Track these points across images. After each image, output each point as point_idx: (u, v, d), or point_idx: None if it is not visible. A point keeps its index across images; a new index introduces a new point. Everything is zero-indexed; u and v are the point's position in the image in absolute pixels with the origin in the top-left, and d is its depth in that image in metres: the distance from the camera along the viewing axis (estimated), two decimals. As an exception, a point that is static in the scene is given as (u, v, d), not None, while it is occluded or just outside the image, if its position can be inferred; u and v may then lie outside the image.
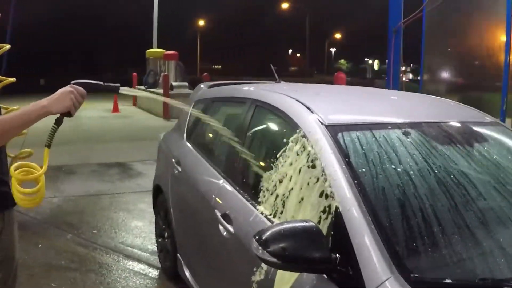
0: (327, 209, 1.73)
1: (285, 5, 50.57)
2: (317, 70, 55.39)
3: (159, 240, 3.96)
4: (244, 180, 2.48)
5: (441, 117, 2.34)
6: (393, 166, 1.85)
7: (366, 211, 1.63)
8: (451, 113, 2.54)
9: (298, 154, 2.01)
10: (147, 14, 20.49)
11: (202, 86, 4.09)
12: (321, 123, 2.05)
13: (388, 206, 1.69)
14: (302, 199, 1.87)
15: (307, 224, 1.61)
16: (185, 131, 3.75)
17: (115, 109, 16.44)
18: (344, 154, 1.86)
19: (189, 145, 3.52)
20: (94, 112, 15.22)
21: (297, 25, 53.53)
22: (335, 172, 1.78)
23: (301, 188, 1.91)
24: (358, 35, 56.94)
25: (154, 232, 4.19)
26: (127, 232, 4.76)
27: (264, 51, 53.02)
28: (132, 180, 6.88)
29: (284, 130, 2.27)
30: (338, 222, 1.66)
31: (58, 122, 1.83)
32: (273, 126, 2.60)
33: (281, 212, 1.98)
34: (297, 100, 2.35)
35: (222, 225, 2.37)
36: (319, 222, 1.71)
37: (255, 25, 53.05)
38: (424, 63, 6.29)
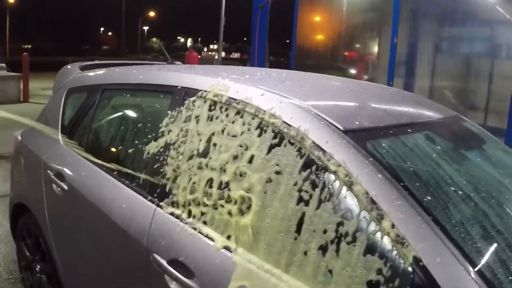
0: (387, 270, 1.15)
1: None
2: (129, 49, 53.89)
3: (26, 275, 2.96)
4: (203, 210, 1.67)
5: (434, 112, 1.95)
6: (452, 189, 1.37)
7: (466, 261, 1.13)
8: (430, 106, 2.12)
9: (315, 184, 1.34)
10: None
11: (70, 66, 3.13)
12: (337, 127, 1.41)
13: (482, 251, 1.21)
14: (327, 269, 1.25)
15: None
16: (59, 131, 2.77)
17: None
18: (395, 176, 1.29)
19: (72, 151, 2.57)
20: None
21: (111, 3, 50.84)
22: (399, 205, 1.20)
23: (323, 250, 1.26)
24: (170, 13, 56.54)
25: (7, 258, 3.33)
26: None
27: (76, 29, 49.57)
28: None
29: (268, 138, 1.52)
30: (419, 283, 1.13)
31: None
32: (244, 133, 1.62)
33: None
34: (279, 94, 1.61)
35: (176, 279, 1.59)
36: None
37: (67, 1, 49.00)
38: (296, 42, 5.93)
